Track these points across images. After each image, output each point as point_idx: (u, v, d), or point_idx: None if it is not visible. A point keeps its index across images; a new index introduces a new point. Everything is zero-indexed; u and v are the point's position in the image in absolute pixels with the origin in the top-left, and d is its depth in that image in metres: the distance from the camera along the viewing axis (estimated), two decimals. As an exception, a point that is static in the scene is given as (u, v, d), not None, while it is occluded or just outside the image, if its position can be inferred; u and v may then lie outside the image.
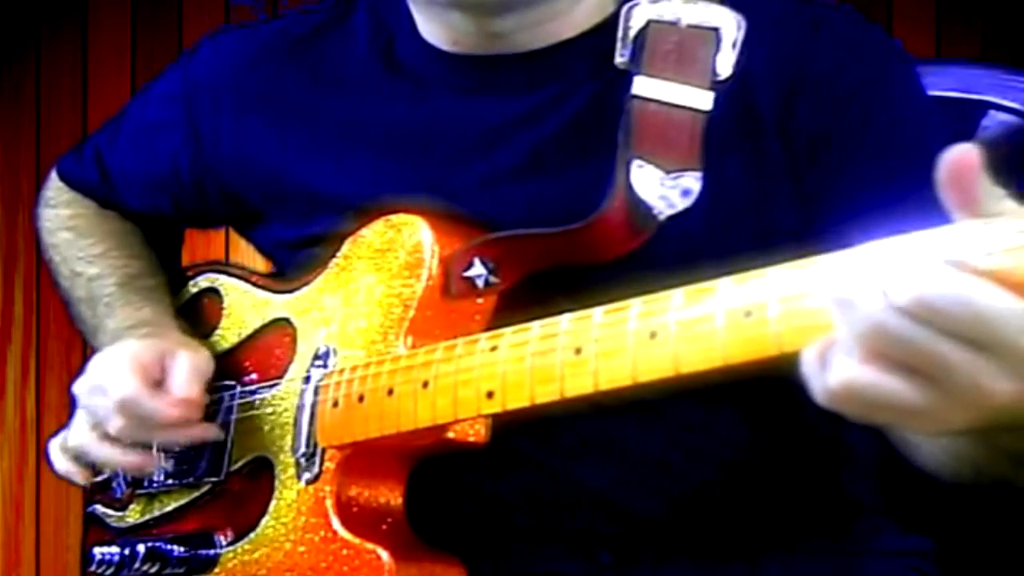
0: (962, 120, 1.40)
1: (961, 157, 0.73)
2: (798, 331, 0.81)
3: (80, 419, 1.30)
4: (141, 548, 1.29)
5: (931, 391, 0.74)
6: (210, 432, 1.26)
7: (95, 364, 1.27)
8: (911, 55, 1.20)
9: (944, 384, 0.74)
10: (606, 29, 1.17)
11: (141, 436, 1.25)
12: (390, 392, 1.10)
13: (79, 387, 1.28)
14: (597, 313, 0.97)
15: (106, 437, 1.27)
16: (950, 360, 0.73)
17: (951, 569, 1.27)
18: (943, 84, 1.43)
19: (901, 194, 0.89)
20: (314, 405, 1.18)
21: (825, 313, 0.77)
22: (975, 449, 0.89)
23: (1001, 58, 2.14)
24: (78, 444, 1.30)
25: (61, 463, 1.36)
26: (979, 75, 1.46)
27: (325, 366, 1.19)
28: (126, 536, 1.35)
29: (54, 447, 1.35)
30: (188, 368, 1.25)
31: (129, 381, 1.23)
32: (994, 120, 1.40)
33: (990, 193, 0.73)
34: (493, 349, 1.03)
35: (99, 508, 1.40)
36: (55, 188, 1.51)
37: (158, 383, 1.24)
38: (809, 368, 0.78)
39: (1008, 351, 0.73)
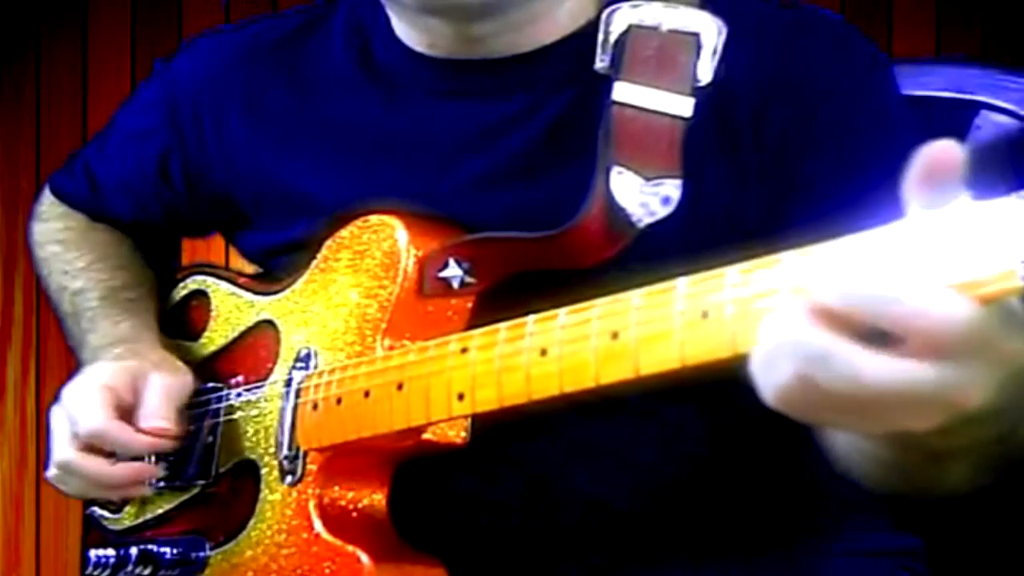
0: (954, 120, 1.39)
1: (943, 154, 0.72)
2: (753, 332, 0.80)
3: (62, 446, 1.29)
4: (134, 551, 1.29)
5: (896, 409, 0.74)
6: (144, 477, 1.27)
7: (68, 392, 1.26)
8: (908, 55, 1.19)
9: (913, 398, 0.73)
10: (587, 34, 1.16)
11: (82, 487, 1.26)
12: (366, 394, 1.10)
13: (55, 414, 1.27)
14: (561, 314, 0.97)
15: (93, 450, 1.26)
16: (920, 382, 0.72)
17: (942, 569, 1.26)
18: (935, 84, 1.42)
19: (871, 197, 0.89)
20: (295, 408, 1.18)
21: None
22: (891, 451, 0.88)
23: (1001, 58, 2.14)
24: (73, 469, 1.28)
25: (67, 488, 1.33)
26: (972, 75, 1.45)
27: (307, 368, 1.19)
28: (121, 538, 1.35)
29: (53, 478, 1.31)
30: (160, 394, 1.24)
31: (98, 413, 1.22)
32: (987, 120, 1.40)
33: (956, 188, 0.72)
34: (463, 351, 1.03)
35: (97, 511, 1.41)
36: (47, 203, 1.51)
37: (130, 409, 1.24)
38: (756, 370, 0.77)
39: (981, 355, 0.72)
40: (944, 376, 0.72)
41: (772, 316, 0.75)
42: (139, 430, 1.23)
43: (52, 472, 1.29)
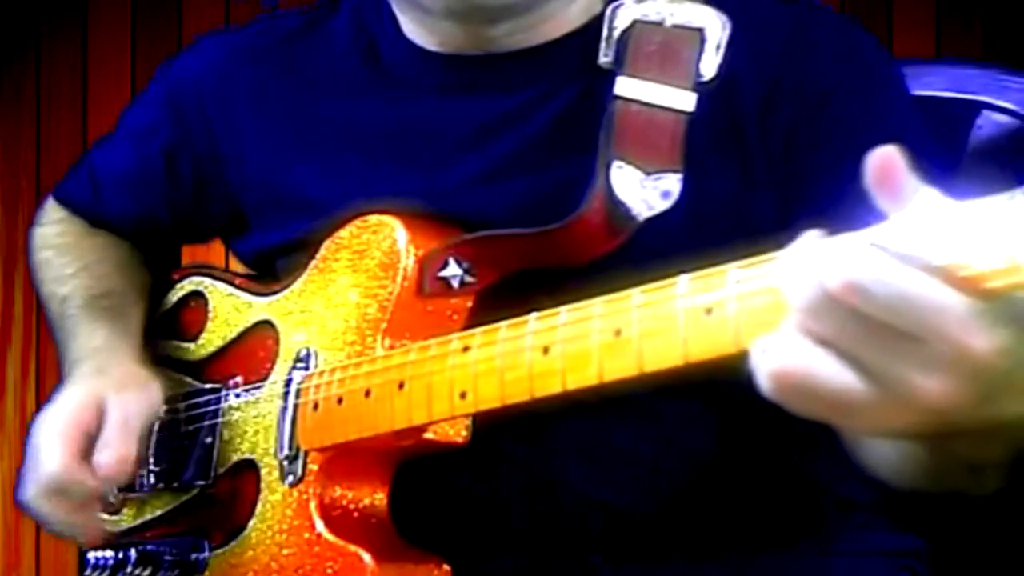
0: (956, 120, 1.39)
1: (885, 157, 0.73)
2: (756, 328, 0.80)
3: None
4: (133, 552, 1.29)
5: (863, 381, 0.73)
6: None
7: (40, 425, 1.24)
8: (908, 55, 1.20)
9: (875, 374, 0.72)
10: (592, 29, 1.17)
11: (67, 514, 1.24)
12: (367, 394, 1.10)
13: (31, 444, 1.25)
14: (563, 312, 0.97)
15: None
16: (879, 346, 0.72)
17: (943, 569, 1.26)
18: (937, 84, 1.42)
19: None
20: (295, 408, 1.18)
21: (782, 309, 0.77)
22: (929, 456, 0.88)
23: (1001, 58, 2.14)
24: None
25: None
26: (973, 75, 1.45)
27: (306, 368, 1.19)
28: (119, 539, 1.34)
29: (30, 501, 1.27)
30: (116, 422, 1.22)
31: (57, 458, 1.20)
32: (988, 120, 1.39)
33: (913, 187, 0.73)
34: (465, 350, 1.03)
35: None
36: (49, 208, 1.50)
37: (94, 438, 1.22)
38: (755, 361, 0.77)
39: (940, 342, 0.71)
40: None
41: (798, 300, 0.75)
42: (94, 471, 1.20)
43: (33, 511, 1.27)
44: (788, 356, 0.74)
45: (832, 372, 0.73)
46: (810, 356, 0.73)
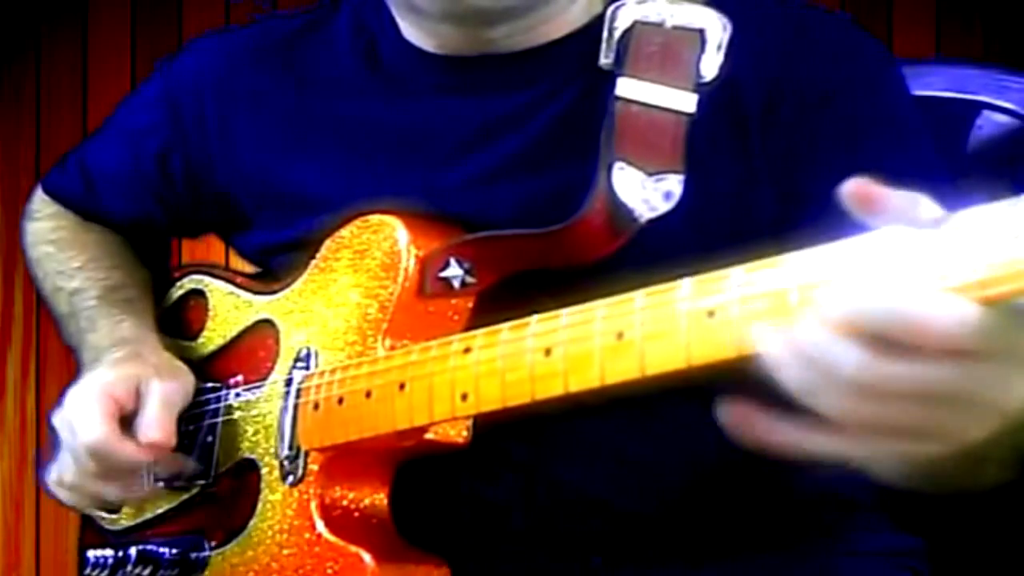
0: (956, 120, 1.39)
1: (858, 190, 0.74)
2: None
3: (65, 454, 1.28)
4: (133, 551, 1.30)
5: (941, 413, 0.74)
6: (180, 465, 1.27)
7: (71, 398, 1.25)
8: (908, 55, 1.20)
9: (950, 404, 0.74)
10: (593, 30, 1.17)
11: (111, 480, 1.25)
12: (368, 394, 1.10)
13: (57, 421, 1.26)
14: (565, 314, 0.97)
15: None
16: (949, 382, 0.72)
17: (943, 568, 1.26)
18: (937, 84, 1.42)
19: None
20: (296, 407, 1.18)
21: (785, 313, 0.77)
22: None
23: (1001, 58, 2.14)
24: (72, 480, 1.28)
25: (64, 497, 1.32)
26: (973, 75, 1.45)
27: (307, 367, 1.19)
28: (119, 538, 1.35)
29: (52, 483, 1.30)
30: (159, 402, 1.23)
31: (98, 426, 1.21)
32: (988, 120, 1.40)
33: (911, 200, 0.73)
34: (466, 351, 1.03)
35: (94, 511, 1.40)
36: (39, 202, 1.49)
37: (131, 416, 1.23)
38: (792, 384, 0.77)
39: (1006, 352, 0.72)
40: (970, 374, 0.72)
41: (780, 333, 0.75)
42: (137, 442, 1.22)
43: (61, 494, 1.28)
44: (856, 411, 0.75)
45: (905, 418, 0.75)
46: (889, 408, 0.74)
